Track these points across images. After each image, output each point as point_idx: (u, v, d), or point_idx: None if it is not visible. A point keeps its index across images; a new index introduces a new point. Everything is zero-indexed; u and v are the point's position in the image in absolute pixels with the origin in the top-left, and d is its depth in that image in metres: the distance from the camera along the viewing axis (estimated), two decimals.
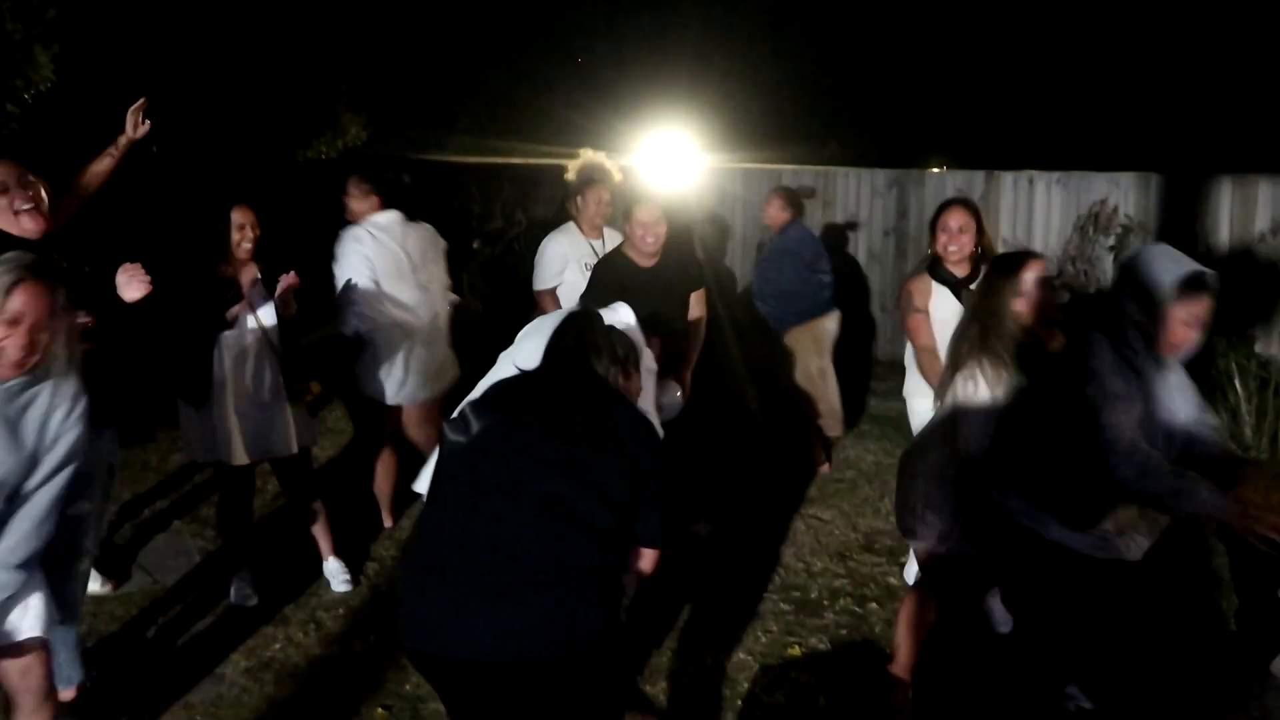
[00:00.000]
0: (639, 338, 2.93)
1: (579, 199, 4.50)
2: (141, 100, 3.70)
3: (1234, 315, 5.38)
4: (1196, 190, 5.73)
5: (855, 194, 7.90)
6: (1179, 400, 2.79)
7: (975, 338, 2.88)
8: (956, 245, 3.67)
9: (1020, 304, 2.88)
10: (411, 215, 4.36)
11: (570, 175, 4.65)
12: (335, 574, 3.94)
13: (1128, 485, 2.58)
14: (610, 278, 4.10)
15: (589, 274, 4.17)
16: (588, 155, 4.76)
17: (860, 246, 7.86)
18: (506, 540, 2.02)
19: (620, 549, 2.13)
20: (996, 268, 3.03)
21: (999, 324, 2.85)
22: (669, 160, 7.75)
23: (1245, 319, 5.36)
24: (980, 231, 3.75)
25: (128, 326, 3.08)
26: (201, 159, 4.33)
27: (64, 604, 2.74)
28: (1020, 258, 3.05)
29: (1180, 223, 5.75)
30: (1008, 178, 6.75)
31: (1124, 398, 2.60)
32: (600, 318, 2.47)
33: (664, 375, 3.57)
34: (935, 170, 7.68)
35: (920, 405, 3.65)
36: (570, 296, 4.31)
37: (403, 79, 9.98)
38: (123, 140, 3.70)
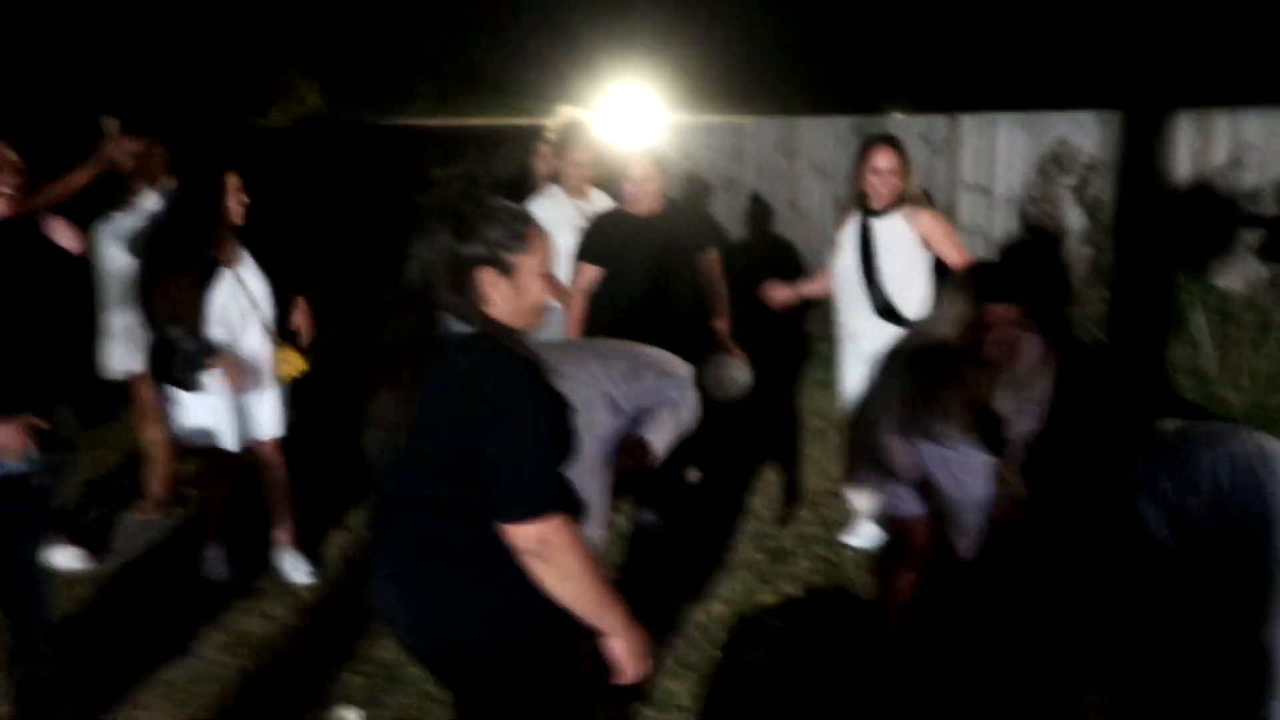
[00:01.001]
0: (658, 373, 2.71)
1: (560, 161, 4.41)
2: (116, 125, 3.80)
3: (1190, 249, 5.44)
4: (1155, 127, 5.72)
5: (819, 142, 7.86)
6: None
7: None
8: (886, 187, 3.65)
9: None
10: (370, 180, 4.32)
11: (551, 134, 4.53)
12: (294, 567, 3.79)
13: None
14: (605, 231, 4.05)
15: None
16: (566, 113, 4.62)
17: (826, 196, 7.83)
18: (390, 526, 1.88)
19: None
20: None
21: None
22: (632, 115, 7.67)
23: (1205, 253, 5.40)
24: (906, 174, 3.76)
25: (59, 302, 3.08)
26: (156, 129, 4.21)
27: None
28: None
29: (1139, 158, 5.76)
30: (969, 120, 6.72)
31: None
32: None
33: (694, 347, 3.48)
34: (898, 116, 7.64)
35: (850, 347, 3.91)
36: (563, 262, 4.23)
37: (359, 43, 9.78)
38: (104, 155, 3.79)
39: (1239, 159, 5.32)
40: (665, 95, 8.26)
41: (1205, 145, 5.51)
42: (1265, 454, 2.45)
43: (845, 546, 3.95)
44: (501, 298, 1.76)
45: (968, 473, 2.87)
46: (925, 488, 2.90)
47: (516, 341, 1.79)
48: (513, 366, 1.73)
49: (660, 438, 2.68)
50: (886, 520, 3.04)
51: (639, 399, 2.64)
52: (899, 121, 7.33)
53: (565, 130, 4.40)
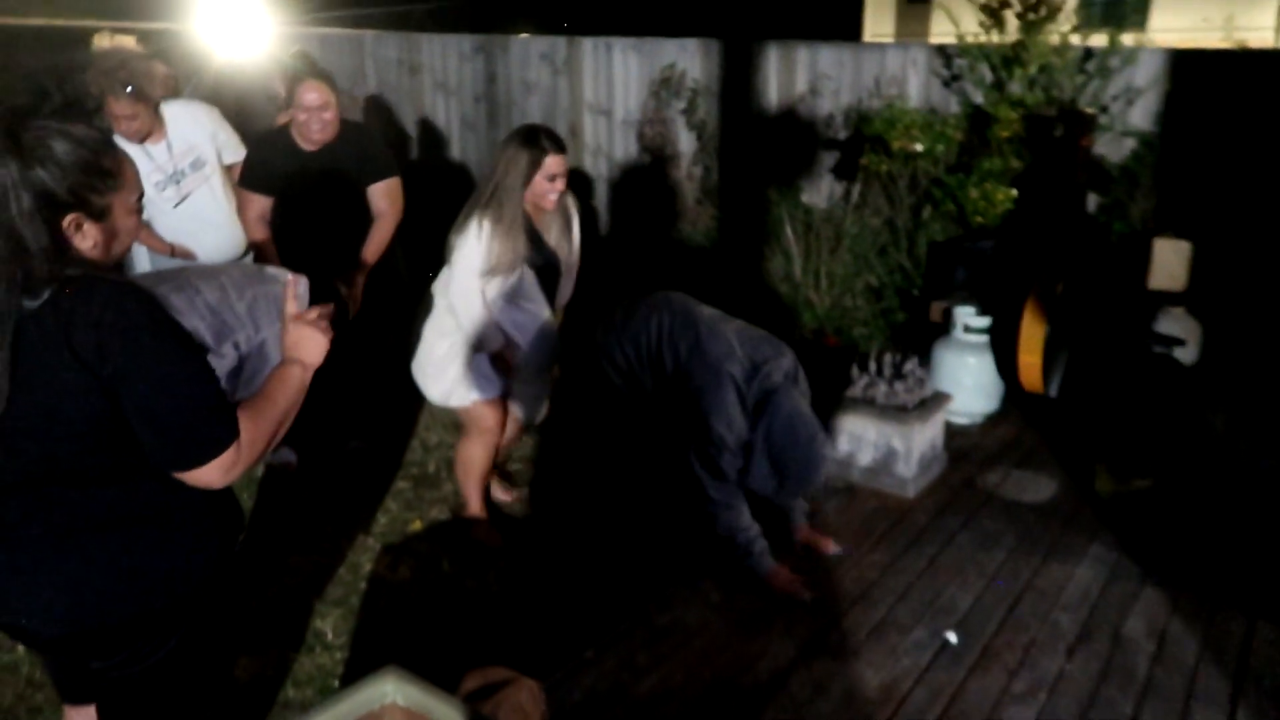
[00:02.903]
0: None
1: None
2: None
3: (782, 169, 6.09)
4: (749, 56, 6.29)
5: (442, 60, 7.68)
6: None
7: (484, 196, 3.07)
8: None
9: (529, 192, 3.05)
10: None
11: (100, 44, 3.85)
12: None
13: (710, 477, 2.89)
14: (267, 162, 3.67)
15: (169, 190, 3.69)
16: (105, 42, 3.91)
17: (453, 113, 7.71)
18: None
19: (133, 490, 1.59)
20: (521, 143, 3.06)
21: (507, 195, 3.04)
22: (232, 25, 6.94)
23: (791, 172, 6.08)
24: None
25: None
26: None
27: None
28: (543, 145, 3.06)
29: (737, 85, 6.32)
30: (588, 43, 6.92)
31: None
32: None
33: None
34: (521, 36, 7.66)
35: None
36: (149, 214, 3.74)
37: None
38: None
39: (816, 88, 6.01)
40: (275, 5, 7.57)
41: (789, 74, 6.15)
42: (688, 312, 3.07)
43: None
44: (90, 244, 1.52)
45: (535, 336, 3.18)
46: (500, 361, 3.20)
47: (120, 279, 1.55)
48: (126, 305, 1.48)
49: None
50: (470, 404, 3.25)
51: (250, 314, 2.60)
52: (521, 41, 7.36)
53: (98, 69, 3.63)
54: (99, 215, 1.52)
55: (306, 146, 3.68)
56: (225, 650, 1.88)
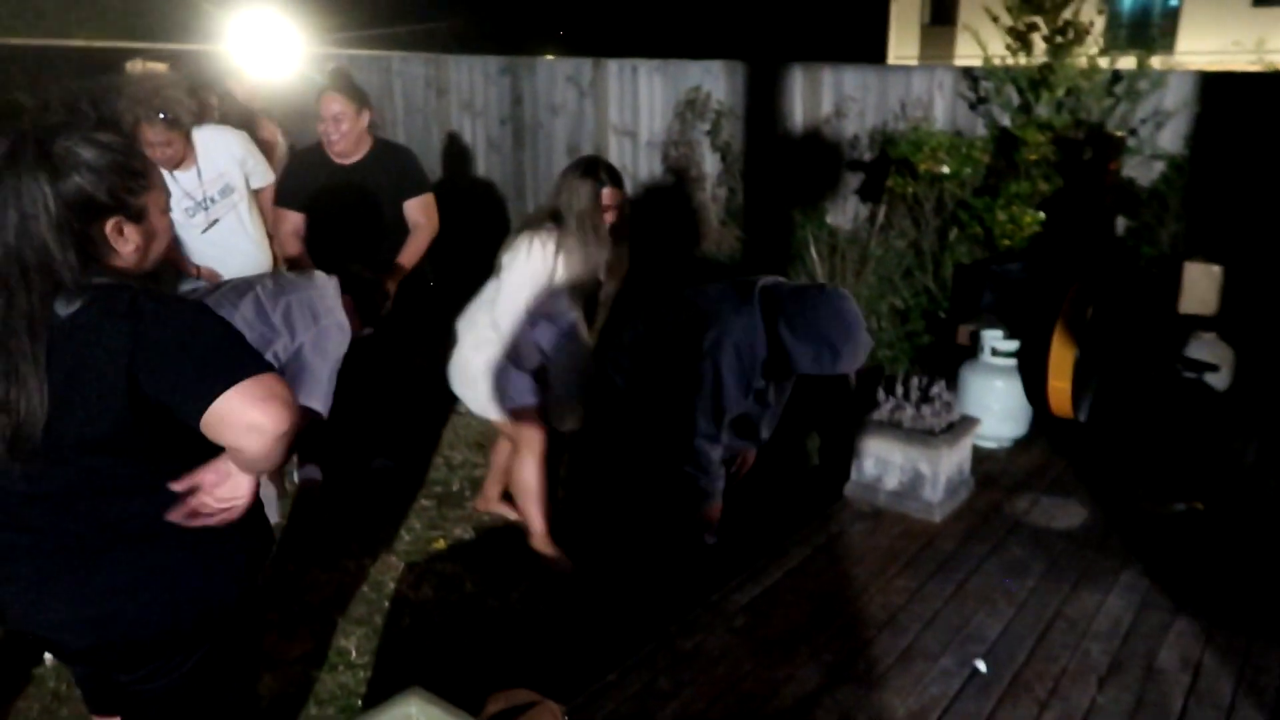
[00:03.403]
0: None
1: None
2: None
3: (807, 191, 6.09)
4: (773, 78, 6.30)
5: (469, 81, 7.76)
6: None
7: (540, 219, 3.22)
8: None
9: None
10: None
11: (132, 69, 3.86)
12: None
13: (697, 435, 3.14)
14: (300, 177, 3.75)
15: (198, 216, 3.74)
16: (137, 68, 3.91)
17: (479, 134, 7.78)
18: (26, 526, 1.59)
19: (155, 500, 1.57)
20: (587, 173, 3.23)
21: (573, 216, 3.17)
22: (263, 46, 7.05)
23: (816, 194, 6.08)
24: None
25: None
26: None
27: None
28: (603, 176, 3.24)
29: (762, 107, 6.33)
30: (613, 65, 6.96)
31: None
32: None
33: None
34: (547, 58, 7.72)
35: None
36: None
37: None
38: None
39: (841, 110, 6.01)
40: (305, 28, 7.69)
41: (814, 96, 6.16)
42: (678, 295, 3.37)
43: None
44: (132, 248, 1.55)
45: (571, 350, 3.28)
46: (540, 373, 3.28)
47: (151, 287, 1.57)
48: (154, 299, 1.50)
49: (317, 390, 2.77)
50: (510, 414, 3.30)
51: (286, 322, 2.75)
52: (547, 63, 7.41)
53: (130, 97, 3.56)
54: (137, 216, 1.55)
55: (339, 161, 3.72)
56: (251, 667, 1.86)
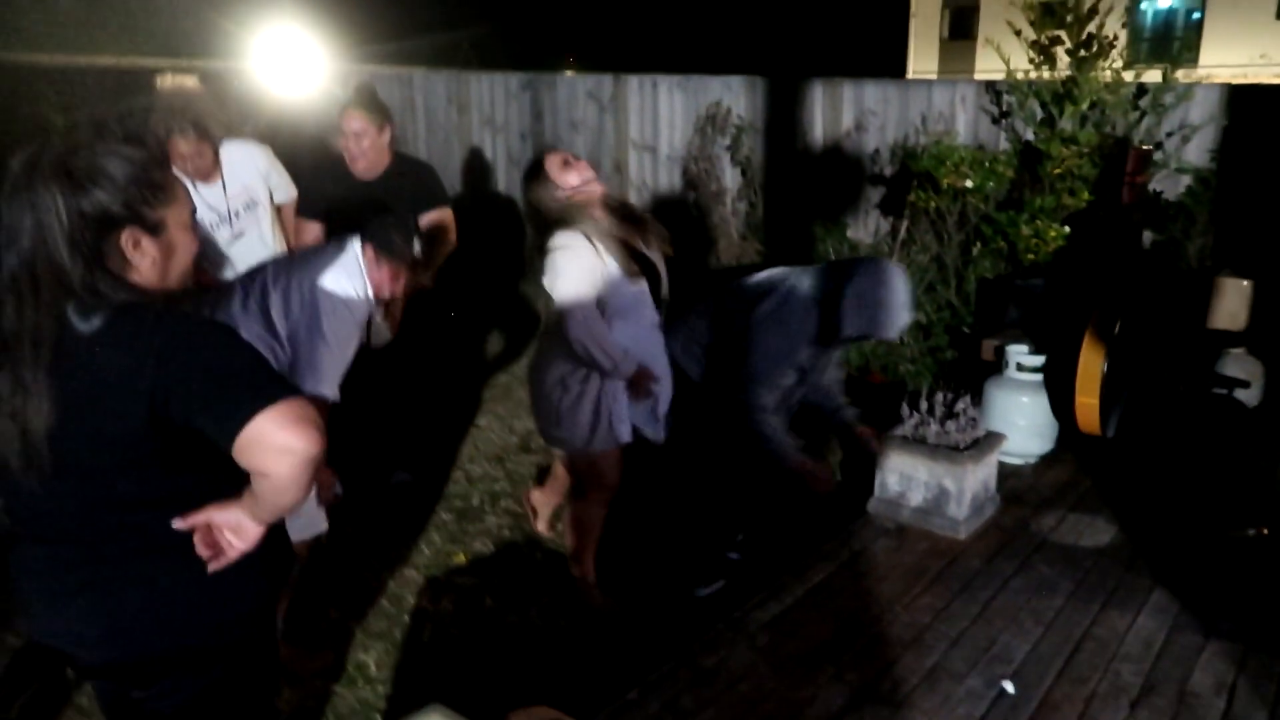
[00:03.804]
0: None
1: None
2: None
3: (827, 205, 6.07)
4: (794, 92, 6.30)
5: (490, 97, 7.80)
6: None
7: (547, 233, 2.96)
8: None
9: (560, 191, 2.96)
10: None
11: (163, 84, 3.92)
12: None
13: (752, 411, 3.14)
14: (318, 189, 3.76)
15: (223, 230, 3.77)
16: (168, 82, 3.96)
17: (499, 150, 7.81)
18: (45, 540, 1.60)
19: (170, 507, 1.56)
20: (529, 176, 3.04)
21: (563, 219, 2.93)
22: (287, 63, 7.12)
23: (837, 208, 6.06)
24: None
25: None
26: None
27: None
28: (539, 155, 3.05)
29: (782, 122, 6.32)
30: (633, 80, 6.98)
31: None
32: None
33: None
34: (568, 74, 7.76)
35: None
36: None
37: None
38: None
39: (862, 124, 5.99)
40: (327, 43, 7.76)
41: (834, 111, 6.14)
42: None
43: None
44: (150, 262, 1.53)
45: (659, 352, 3.12)
46: (636, 389, 3.00)
47: (175, 306, 1.56)
48: (178, 320, 1.50)
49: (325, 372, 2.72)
50: (582, 459, 3.10)
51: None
52: (568, 79, 7.44)
53: (163, 112, 3.66)
54: (154, 229, 1.53)
55: (359, 175, 3.74)
56: (270, 688, 1.84)
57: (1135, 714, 2.48)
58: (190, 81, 3.96)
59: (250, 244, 3.86)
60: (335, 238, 3.82)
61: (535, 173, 2.99)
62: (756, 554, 3.43)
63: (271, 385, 1.47)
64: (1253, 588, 3.04)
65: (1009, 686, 2.58)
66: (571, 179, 2.95)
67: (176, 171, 3.62)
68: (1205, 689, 2.58)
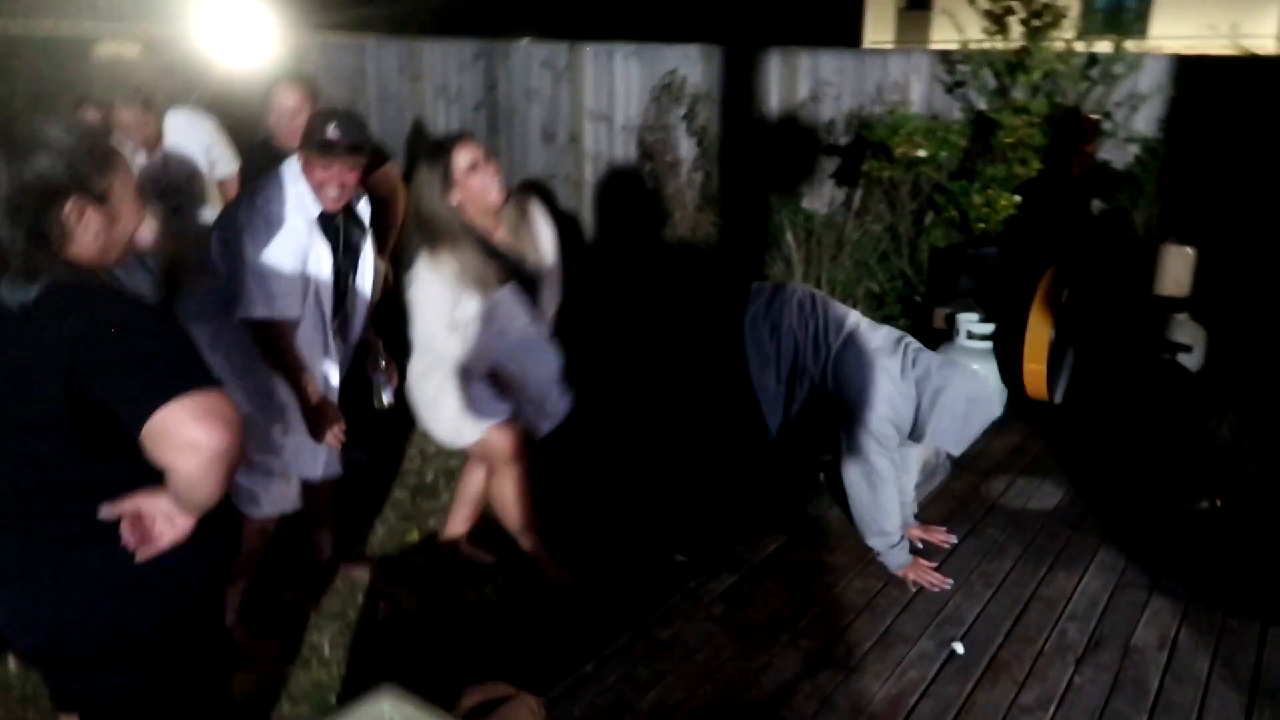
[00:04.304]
0: None
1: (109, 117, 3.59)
2: None
3: (783, 175, 6.07)
4: (750, 62, 6.27)
5: (443, 66, 7.67)
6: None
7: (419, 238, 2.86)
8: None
9: (456, 196, 2.82)
10: None
11: (94, 69, 3.74)
12: None
13: (872, 471, 2.91)
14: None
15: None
16: (108, 48, 3.81)
17: (453, 121, 7.69)
18: None
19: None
20: (425, 157, 2.85)
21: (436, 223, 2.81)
22: (234, 29, 6.93)
23: (792, 178, 6.06)
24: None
25: None
26: None
27: None
28: (445, 144, 2.84)
29: (739, 92, 6.30)
30: (589, 49, 6.90)
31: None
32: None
33: None
34: (523, 42, 7.63)
35: None
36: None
37: None
38: None
39: (818, 94, 5.99)
40: (276, 9, 7.56)
41: (790, 81, 6.13)
42: (829, 308, 3.14)
43: None
44: (93, 234, 1.48)
45: (531, 350, 3.00)
46: (499, 383, 2.97)
47: (108, 286, 1.52)
48: (107, 300, 1.46)
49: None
50: (474, 445, 3.07)
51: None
52: (522, 48, 7.34)
53: (106, 77, 3.55)
54: (100, 198, 1.49)
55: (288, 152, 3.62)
56: (222, 674, 1.81)
57: (1081, 670, 2.55)
58: (131, 49, 3.83)
59: (192, 214, 3.78)
60: None
61: (435, 166, 2.81)
62: (707, 529, 3.45)
63: (189, 375, 1.43)
64: (1194, 545, 3.12)
65: (959, 648, 2.63)
66: (474, 185, 2.82)
67: (119, 141, 3.57)
68: (1149, 644, 2.66)
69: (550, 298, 3.09)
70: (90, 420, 1.44)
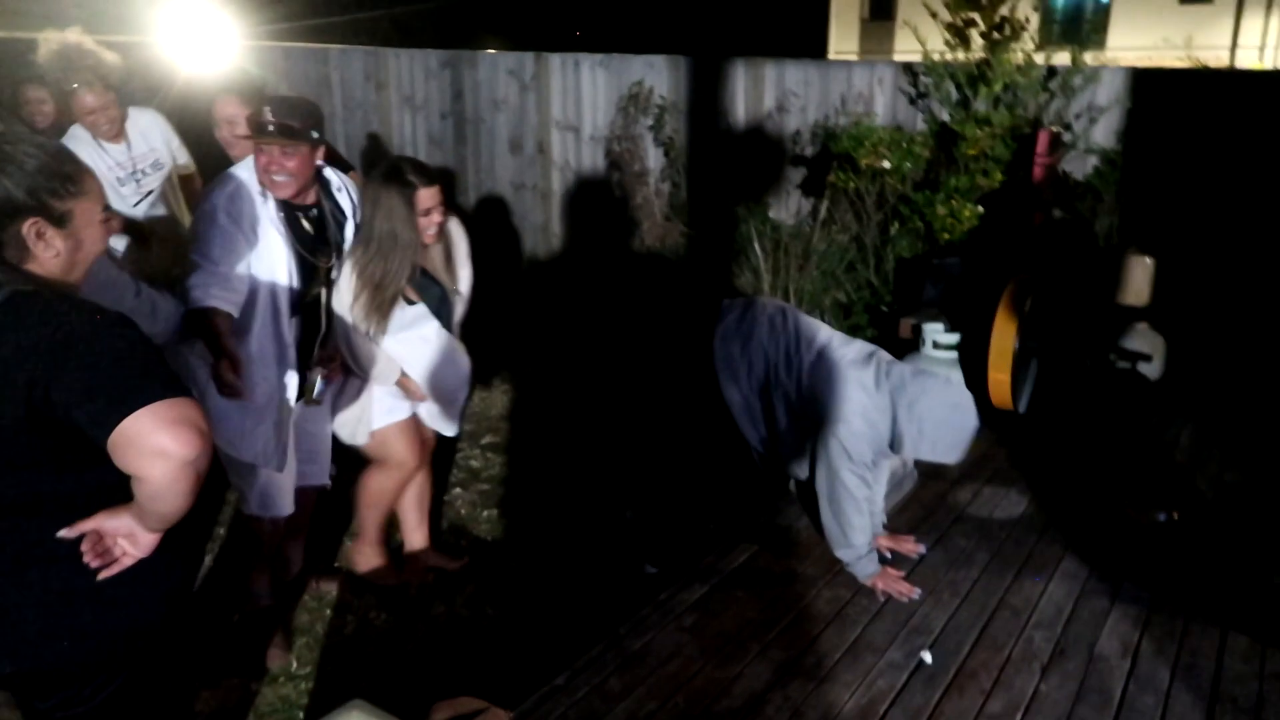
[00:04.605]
0: None
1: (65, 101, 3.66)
2: None
3: (750, 185, 6.10)
4: (716, 73, 6.30)
5: (409, 75, 7.63)
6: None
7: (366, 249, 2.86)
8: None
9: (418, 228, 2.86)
10: None
11: (41, 59, 3.72)
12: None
13: (840, 485, 2.88)
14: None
15: (128, 187, 3.60)
16: (54, 37, 3.79)
17: (419, 130, 7.66)
18: None
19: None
20: (393, 179, 2.85)
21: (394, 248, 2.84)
22: (196, 37, 6.86)
23: (759, 188, 6.10)
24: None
25: None
26: None
27: None
28: (412, 176, 2.86)
29: (705, 102, 6.33)
30: (556, 59, 6.90)
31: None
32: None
33: None
34: (489, 52, 7.63)
35: None
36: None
37: None
38: None
39: (784, 105, 6.03)
40: (241, 19, 7.49)
41: (756, 91, 6.17)
42: (799, 322, 3.17)
43: (460, 490, 3.97)
44: (53, 254, 1.48)
45: (437, 361, 3.08)
46: (404, 385, 3.06)
47: (69, 295, 1.50)
48: (69, 309, 1.44)
49: None
50: (375, 432, 3.13)
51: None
52: (489, 57, 7.32)
53: (56, 65, 3.54)
54: (59, 221, 1.49)
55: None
56: (180, 694, 1.78)
57: (1047, 678, 2.58)
58: (74, 35, 3.81)
59: (155, 203, 3.83)
60: None
61: (403, 192, 2.82)
62: (680, 539, 3.45)
63: (156, 383, 1.41)
64: (1155, 553, 3.18)
65: (927, 657, 2.65)
66: (424, 224, 2.86)
67: (84, 129, 3.55)
68: (1112, 652, 2.69)
69: (459, 313, 3.17)
70: (50, 431, 1.41)
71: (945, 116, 5.34)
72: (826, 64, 6.26)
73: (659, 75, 6.46)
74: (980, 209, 4.96)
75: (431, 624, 3.06)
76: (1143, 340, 4.38)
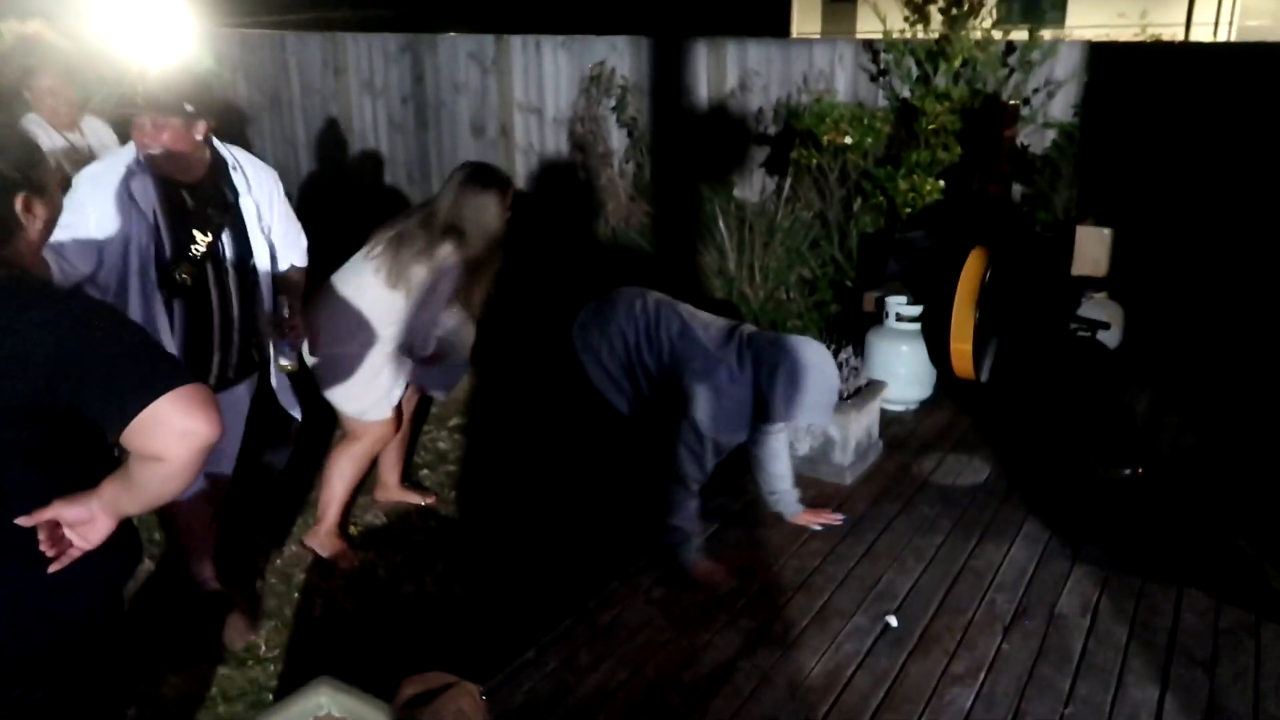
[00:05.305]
0: None
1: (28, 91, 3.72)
2: None
3: (714, 164, 6.11)
4: (678, 52, 6.29)
5: (368, 60, 7.55)
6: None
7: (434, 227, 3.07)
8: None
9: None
10: None
11: (7, 29, 3.73)
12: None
13: (687, 455, 2.85)
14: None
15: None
16: (16, 27, 3.82)
17: (380, 115, 7.58)
18: None
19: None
20: (494, 181, 3.21)
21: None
22: (148, 23, 6.72)
23: (723, 167, 6.10)
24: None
25: None
26: None
27: None
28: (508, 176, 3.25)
29: (668, 82, 6.32)
30: (516, 41, 6.85)
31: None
32: None
33: None
34: (449, 35, 7.55)
35: None
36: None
37: None
38: None
39: (746, 84, 6.04)
40: (193, 5, 7.35)
41: (719, 71, 6.17)
42: (661, 304, 3.13)
43: (428, 471, 3.96)
44: (39, 225, 1.52)
45: (456, 328, 3.23)
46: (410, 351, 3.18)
47: (50, 284, 1.54)
48: (69, 299, 1.47)
49: None
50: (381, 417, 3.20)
51: None
52: (449, 40, 7.26)
53: (20, 52, 3.66)
54: (42, 191, 1.52)
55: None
56: (120, 698, 1.73)
57: (1009, 638, 2.63)
58: (33, 25, 3.83)
59: None
60: None
61: (504, 194, 3.14)
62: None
63: (170, 368, 1.44)
64: (1114, 514, 3.24)
65: (893, 621, 2.69)
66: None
67: (42, 116, 3.55)
68: (1072, 610, 2.75)
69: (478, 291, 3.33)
70: (40, 419, 1.42)
71: (906, 93, 5.37)
72: (788, 42, 6.28)
73: (621, 56, 6.43)
74: (941, 183, 5.00)
75: (401, 604, 3.06)
76: (1101, 309, 4.45)
